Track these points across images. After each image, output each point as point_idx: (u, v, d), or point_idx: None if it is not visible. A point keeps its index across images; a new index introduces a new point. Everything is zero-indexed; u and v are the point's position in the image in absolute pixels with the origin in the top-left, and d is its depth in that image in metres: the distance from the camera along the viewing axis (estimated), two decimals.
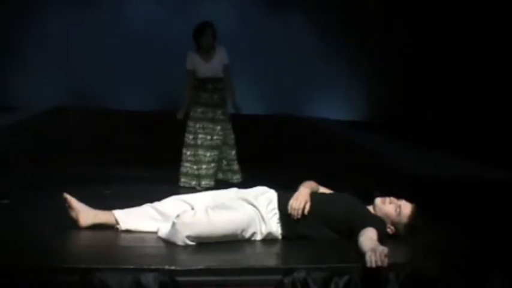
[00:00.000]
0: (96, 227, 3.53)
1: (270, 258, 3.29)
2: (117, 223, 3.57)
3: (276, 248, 3.40)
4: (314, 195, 3.58)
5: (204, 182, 5.77)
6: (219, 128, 5.88)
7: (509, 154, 7.57)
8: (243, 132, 6.07)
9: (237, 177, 5.97)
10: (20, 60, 9.35)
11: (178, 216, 3.30)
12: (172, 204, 3.58)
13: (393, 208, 3.56)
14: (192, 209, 3.47)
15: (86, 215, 3.54)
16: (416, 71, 9.59)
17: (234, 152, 6.00)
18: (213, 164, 5.83)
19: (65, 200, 3.56)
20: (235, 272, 2.91)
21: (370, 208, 3.62)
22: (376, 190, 3.77)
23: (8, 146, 7.11)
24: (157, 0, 9.81)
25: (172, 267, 2.84)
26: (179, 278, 2.80)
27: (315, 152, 8.06)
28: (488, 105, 8.61)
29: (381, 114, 9.90)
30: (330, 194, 3.77)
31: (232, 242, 3.35)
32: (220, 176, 5.97)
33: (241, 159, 6.04)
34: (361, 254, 2.99)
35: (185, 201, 3.59)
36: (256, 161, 6.60)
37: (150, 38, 9.56)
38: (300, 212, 3.47)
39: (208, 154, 5.82)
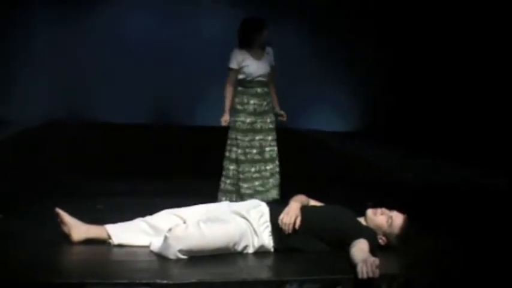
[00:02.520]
0: (88, 242, 3.52)
1: (263, 271, 3.29)
2: (109, 237, 3.56)
3: (268, 261, 3.41)
4: (305, 209, 3.60)
5: (269, 196, 5.08)
6: (270, 138, 5.27)
7: (502, 160, 7.59)
8: None
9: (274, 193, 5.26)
10: (14, 73, 9.35)
11: (170, 230, 3.29)
12: (165, 218, 3.58)
13: (385, 219, 3.58)
14: (184, 222, 3.47)
15: (78, 229, 3.54)
16: (409, 79, 9.64)
17: (273, 166, 5.31)
18: (271, 180, 5.22)
19: (57, 215, 3.56)
20: (228, 285, 2.92)
21: (362, 220, 3.64)
22: (368, 201, 3.80)
23: (1, 160, 7.09)
24: (153, 13, 9.84)
25: (165, 281, 2.84)
26: None
27: (308, 164, 8.07)
28: (483, 110, 8.60)
29: (373, 124, 9.94)
30: (321, 206, 3.79)
31: (225, 255, 3.35)
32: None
33: None
34: (352, 266, 3.00)
35: (177, 215, 3.60)
36: None
37: (146, 50, 9.59)
38: (290, 227, 3.49)
39: (268, 167, 5.21)
